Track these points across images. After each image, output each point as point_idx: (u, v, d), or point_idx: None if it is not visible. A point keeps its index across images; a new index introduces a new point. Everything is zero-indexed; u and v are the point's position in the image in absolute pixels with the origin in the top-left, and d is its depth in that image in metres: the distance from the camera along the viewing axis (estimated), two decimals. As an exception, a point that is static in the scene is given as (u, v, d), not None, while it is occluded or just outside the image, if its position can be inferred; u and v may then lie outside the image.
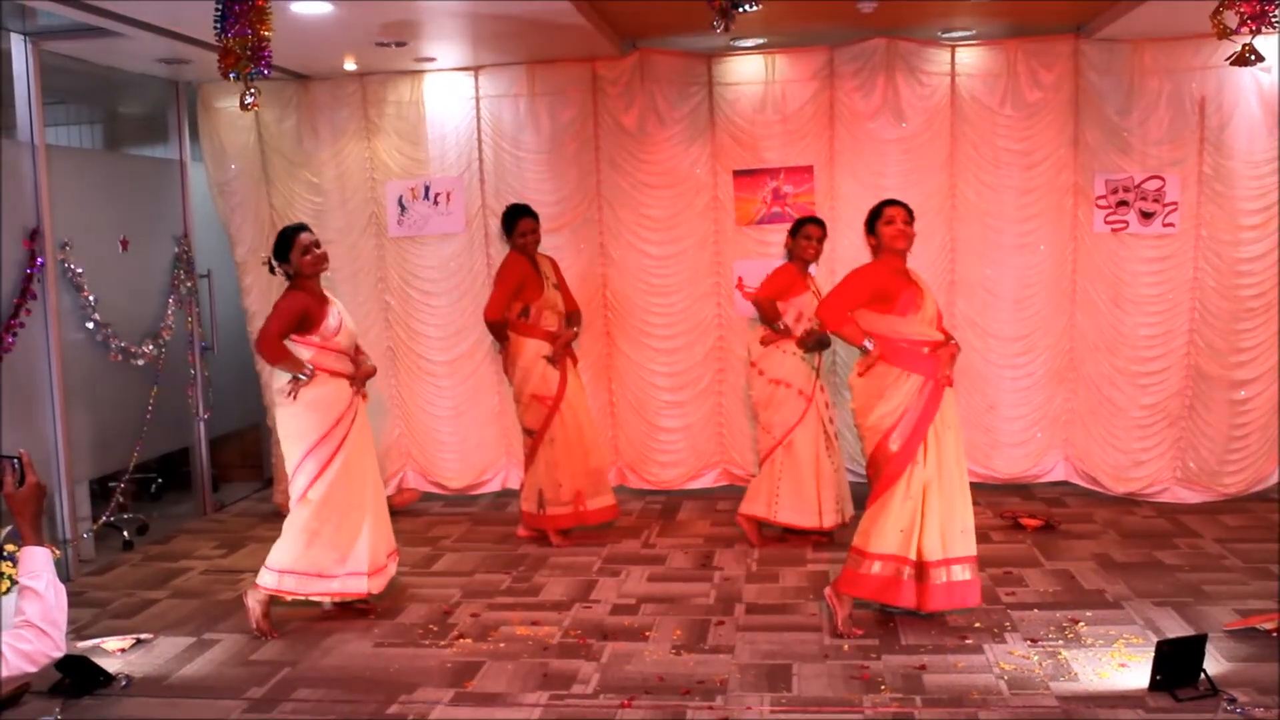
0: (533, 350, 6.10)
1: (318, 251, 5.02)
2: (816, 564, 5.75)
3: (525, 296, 6.11)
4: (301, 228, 5.07)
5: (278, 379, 5.08)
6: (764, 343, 6.04)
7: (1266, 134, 6.49)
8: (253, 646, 4.86)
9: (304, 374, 4.94)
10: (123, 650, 4.84)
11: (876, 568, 4.68)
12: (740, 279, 7.01)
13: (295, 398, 4.96)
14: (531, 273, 6.12)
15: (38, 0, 5.04)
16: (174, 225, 7.11)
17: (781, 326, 5.98)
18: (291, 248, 4.97)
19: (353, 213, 7.18)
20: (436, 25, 5.99)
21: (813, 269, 6.15)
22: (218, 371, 7.40)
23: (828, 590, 4.89)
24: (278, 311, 5.00)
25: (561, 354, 6.18)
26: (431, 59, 6.79)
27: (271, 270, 5.12)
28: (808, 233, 5.97)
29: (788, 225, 6.91)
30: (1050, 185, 6.80)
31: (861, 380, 4.73)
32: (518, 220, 6.14)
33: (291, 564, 5.01)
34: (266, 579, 5.02)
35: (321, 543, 5.01)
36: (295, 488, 5.06)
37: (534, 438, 6.21)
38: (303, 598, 5.10)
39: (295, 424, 5.02)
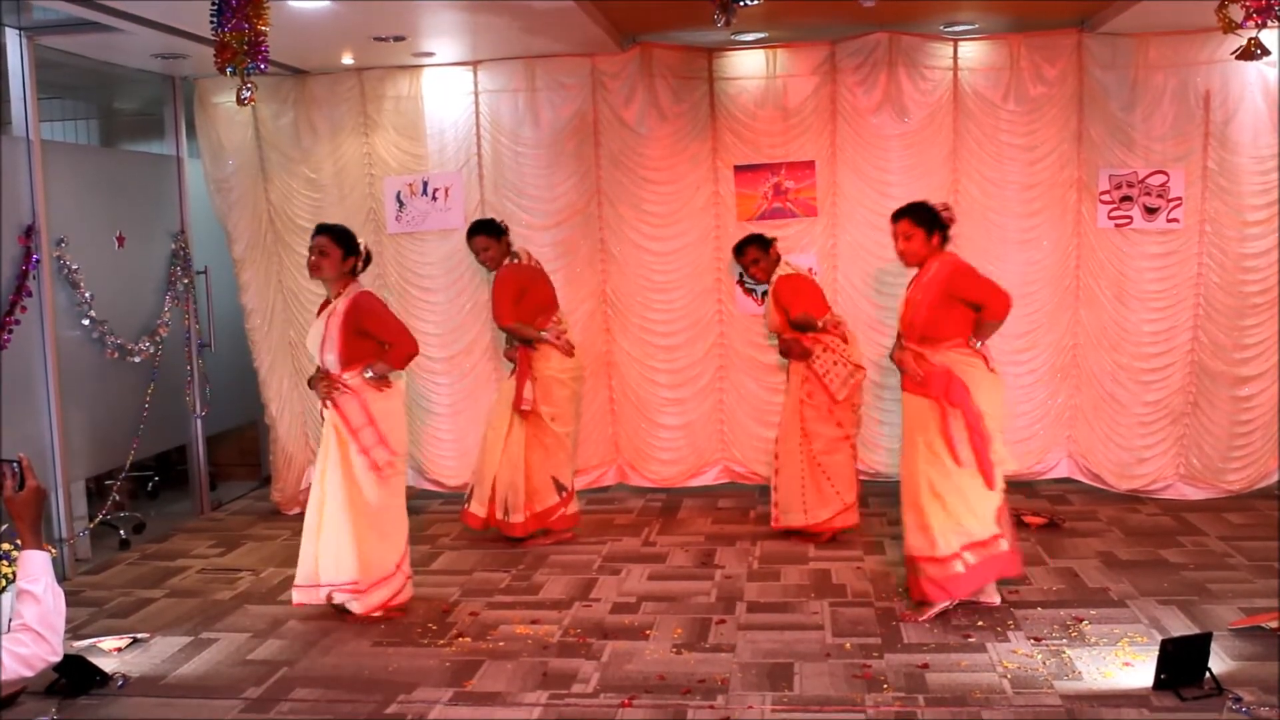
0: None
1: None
2: (818, 562, 5.72)
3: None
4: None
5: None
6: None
7: (1271, 129, 6.46)
8: (250, 646, 4.83)
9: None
10: (119, 649, 4.80)
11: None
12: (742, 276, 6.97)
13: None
14: None
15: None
16: (171, 221, 7.07)
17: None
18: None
19: (351, 209, 7.11)
20: (436, 20, 5.95)
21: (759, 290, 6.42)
22: (215, 369, 7.36)
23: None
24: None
25: None
26: (430, 54, 6.74)
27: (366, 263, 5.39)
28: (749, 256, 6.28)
29: (789, 221, 6.91)
30: (1054, 180, 6.76)
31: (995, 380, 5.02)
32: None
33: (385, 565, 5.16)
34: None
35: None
36: None
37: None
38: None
39: None
